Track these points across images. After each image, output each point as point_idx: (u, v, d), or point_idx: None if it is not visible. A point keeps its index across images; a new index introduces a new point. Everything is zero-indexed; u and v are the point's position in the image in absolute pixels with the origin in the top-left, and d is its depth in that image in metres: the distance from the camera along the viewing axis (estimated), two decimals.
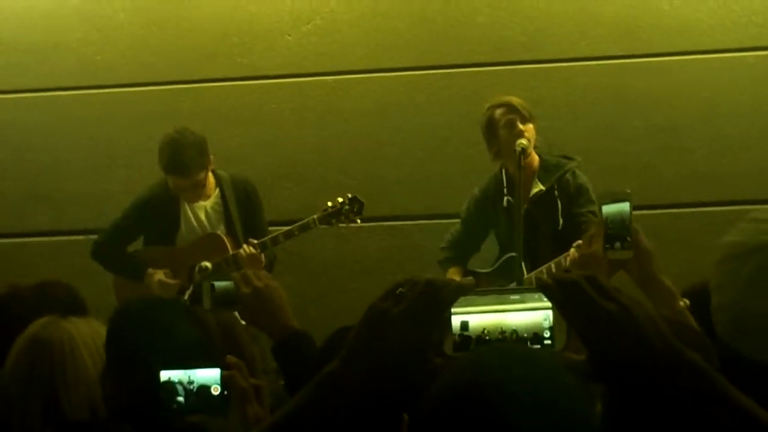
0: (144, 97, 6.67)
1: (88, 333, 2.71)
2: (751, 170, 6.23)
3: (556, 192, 5.15)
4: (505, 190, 5.22)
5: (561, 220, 5.11)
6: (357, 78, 6.53)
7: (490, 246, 5.48)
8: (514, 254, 5.00)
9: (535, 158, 5.22)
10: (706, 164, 6.29)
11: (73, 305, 3.05)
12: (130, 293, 5.31)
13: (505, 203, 5.21)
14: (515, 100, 5.22)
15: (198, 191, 5.47)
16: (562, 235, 5.03)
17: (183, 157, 5.30)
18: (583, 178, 5.21)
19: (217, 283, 2.76)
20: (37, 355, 2.67)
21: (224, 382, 2.27)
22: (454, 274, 5.38)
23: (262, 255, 5.29)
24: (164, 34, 6.70)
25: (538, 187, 5.16)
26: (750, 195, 6.21)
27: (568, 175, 5.20)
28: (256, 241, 5.29)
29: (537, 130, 5.20)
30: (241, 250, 5.26)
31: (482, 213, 5.40)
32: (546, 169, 5.21)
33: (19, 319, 2.86)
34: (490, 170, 5.44)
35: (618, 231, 2.51)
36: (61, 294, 3.18)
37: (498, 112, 5.17)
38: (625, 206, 2.52)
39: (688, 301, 2.54)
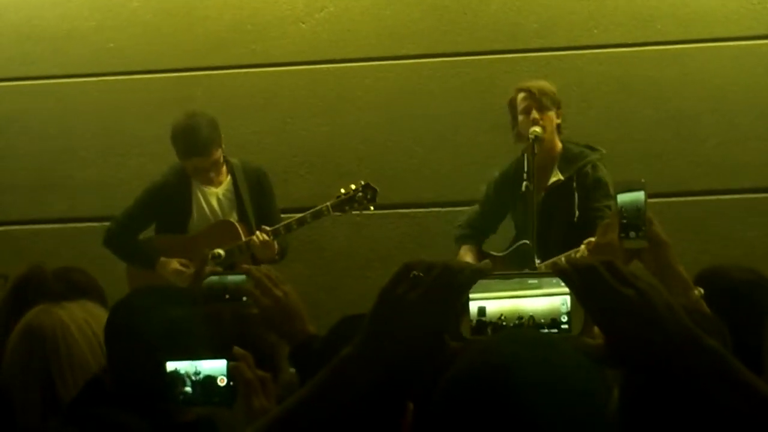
0: (157, 85, 6.67)
1: (81, 317, 2.72)
2: (763, 159, 6.21)
3: (574, 183, 5.09)
4: (525, 175, 5.10)
5: (577, 212, 5.05)
6: (370, 65, 6.53)
7: (506, 228, 5.46)
8: (526, 241, 4.98)
9: (558, 146, 5.17)
10: (718, 153, 6.27)
11: (90, 290, 3.07)
12: (142, 281, 5.30)
13: (523, 188, 5.11)
14: (540, 85, 5.17)
15: (216, 170, 5.45)
16: (577, 226, 4.97)
17: (199, 138, 5.28)
18: (603, 172, 5.12)
19: (204, 281, 2.78)
20: (31, 344, 2.69)
21: (230, 373, 2.27)
22: (467, 252, 5.36)
23: (275, 242, 5.28)
24: (177, 22, 6.70)
25: (557, 177, 5.12)
26: (762, 183, 6.20)
27: (588, 167, 5.12)
28: (269, 228, 5.27)
29: (561, 116, 5.17)
30: (255, 237, 5.25)
31: (500, 196, 5.38)
32: (567, 159, 5.15)
33: (40, 298, 2.88)
34: (503, 157, 5.44)
35: (633, 220, 2.51)
36: (80, 279, 3.19)
37: (519, 96, 5.15)
38: (639, 195, 2.52)
39: (702, 290, 2.54)
